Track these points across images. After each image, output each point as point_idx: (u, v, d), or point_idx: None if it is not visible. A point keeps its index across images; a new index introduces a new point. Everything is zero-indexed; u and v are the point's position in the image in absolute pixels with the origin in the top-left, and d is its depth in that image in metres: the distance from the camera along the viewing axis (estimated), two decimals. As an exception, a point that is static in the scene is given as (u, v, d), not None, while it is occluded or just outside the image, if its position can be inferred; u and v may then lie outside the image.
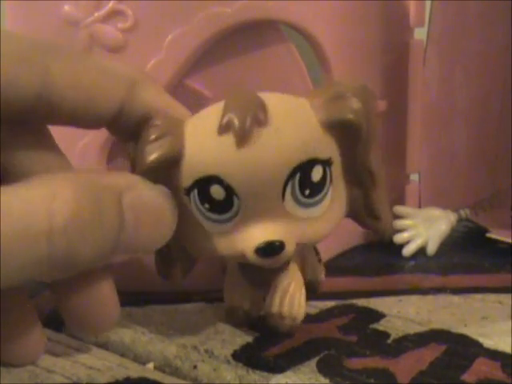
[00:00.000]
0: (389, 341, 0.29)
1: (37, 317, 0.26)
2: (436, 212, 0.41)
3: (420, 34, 0.40)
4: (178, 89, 0.31)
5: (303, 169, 0.24)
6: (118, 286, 0.33)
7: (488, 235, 0.40)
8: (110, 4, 0.30)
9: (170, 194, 0.24)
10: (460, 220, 0.42)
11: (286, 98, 0.25)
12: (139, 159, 0.24)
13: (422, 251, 0.40)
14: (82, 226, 0.21)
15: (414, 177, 0.42)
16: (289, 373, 0.26)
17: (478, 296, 0.34)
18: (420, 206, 0.42)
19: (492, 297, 0.33)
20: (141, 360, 0.27)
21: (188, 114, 0.26)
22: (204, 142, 0.24)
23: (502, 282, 0.35)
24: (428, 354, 0.27)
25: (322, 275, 0.31)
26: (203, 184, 0.24)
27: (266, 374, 0.26)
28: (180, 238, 0.25)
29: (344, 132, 0.24)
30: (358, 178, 0.26)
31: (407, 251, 0.39)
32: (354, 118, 0.24)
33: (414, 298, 0.33)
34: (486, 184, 0.47)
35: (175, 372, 0.27)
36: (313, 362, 0.27)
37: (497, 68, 0.45)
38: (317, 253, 0.30)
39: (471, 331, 0.29)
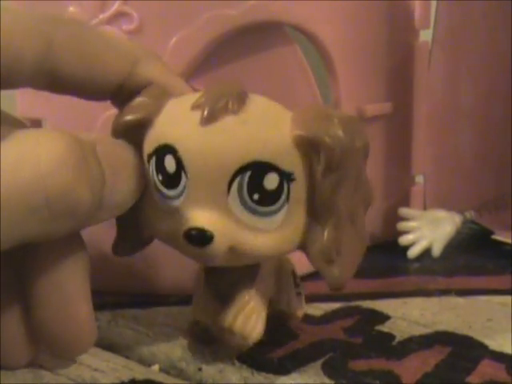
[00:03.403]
0: (394, 343, 0.29)
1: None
2: (441, 214, 0.41)
3: (425, 35, 0.40)
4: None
5: (255, 169, 0.23)
6: (124, 288, 0.34)
7: (493, 237, 0.40)
8: (115, 5, 0.31)
9: (139, 154, 0.24)
10: (465, 222, 0.42)
11: (271, 103, 0.24)
12: (115, 120, 0.25)
13: (426, 253, 0.40)
14: (76, 163, 0.21)
15: (419, 178, 0.42)
16: (294, 374, 0.26)
17: (483, 298, 0.34)
18: (425, 208, 0.42)
19: (497, 299, 0.33)
20: (146, 362, 0.27)
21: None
22: (175, 114, 0.24)
23: (506, 284, 0.35)
24: (433, 356, 0.27)
25: (299, 311, 0.29)
26: (161, 152, 0.24)
27: (270, 375, 0.26)
28: (136, 210, 0.25)
29: (315, 155, 0.23)
30: (318, 212, 0.24)
31: (412, 253, 0.39)
32: (329, 142, 0.22)
33: (419, 300, 0.33)
34: (490, 186, 0.47)
35: (180, 374, 0.27)
36: (318, 364, 0.27)
37: (502, 70, 0.45)
38: (296, 285, 0.29)
39: (476, 333, 0.29)
